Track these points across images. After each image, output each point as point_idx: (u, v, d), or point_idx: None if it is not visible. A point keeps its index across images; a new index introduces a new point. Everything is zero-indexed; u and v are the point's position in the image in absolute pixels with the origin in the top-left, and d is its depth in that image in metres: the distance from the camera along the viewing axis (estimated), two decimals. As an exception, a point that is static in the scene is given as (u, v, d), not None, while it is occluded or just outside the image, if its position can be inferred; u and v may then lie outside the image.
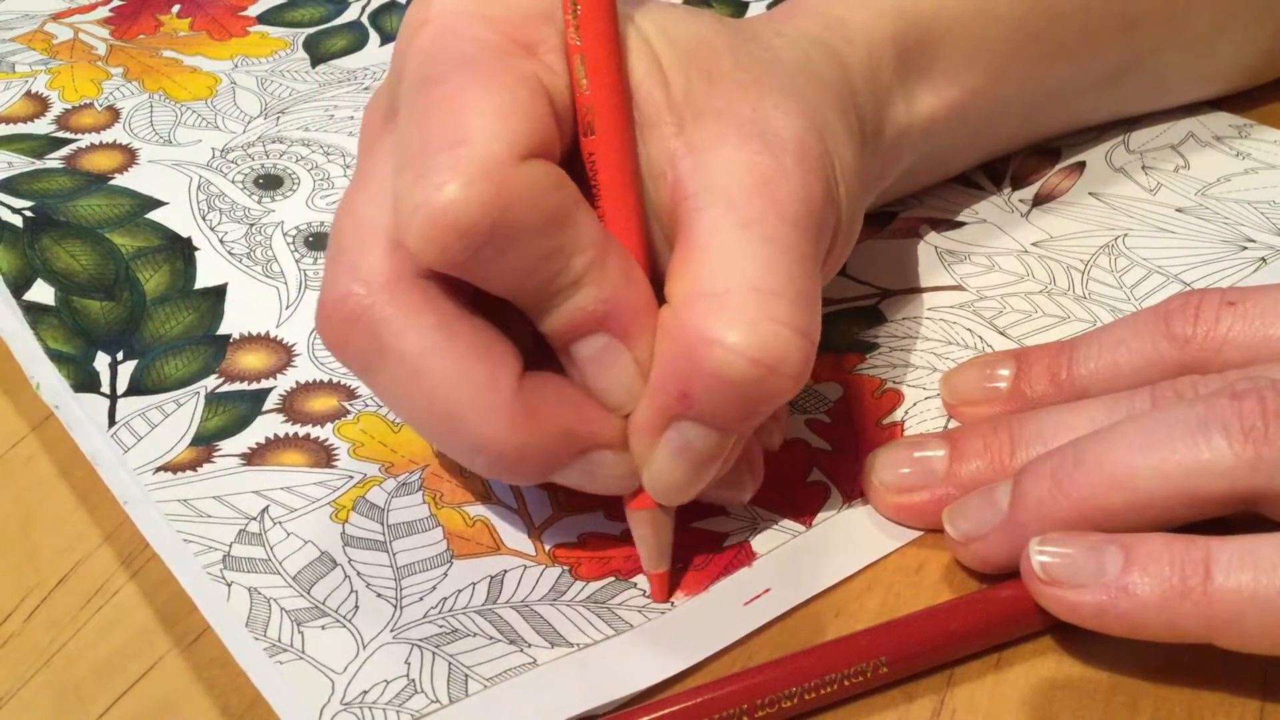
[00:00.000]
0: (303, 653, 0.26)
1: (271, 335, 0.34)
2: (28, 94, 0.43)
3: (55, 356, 0.33)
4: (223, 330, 0.34)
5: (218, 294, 0.35)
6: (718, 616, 0.27)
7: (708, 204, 0.26)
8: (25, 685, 0.27)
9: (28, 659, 0.27)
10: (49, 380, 0.33)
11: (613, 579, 0.28)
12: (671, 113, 0.26)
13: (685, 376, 0.25)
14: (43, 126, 0.41)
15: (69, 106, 0.42)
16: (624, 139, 0.26)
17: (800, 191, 0.26)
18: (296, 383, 0.33)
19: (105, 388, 0.32)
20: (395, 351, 0.25)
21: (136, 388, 0.32)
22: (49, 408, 0.32)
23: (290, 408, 0.32)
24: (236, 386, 0.33)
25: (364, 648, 0.26)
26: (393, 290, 0.25)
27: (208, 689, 0.26)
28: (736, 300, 0.25)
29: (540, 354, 0.27)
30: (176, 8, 0.48)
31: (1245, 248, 0.36)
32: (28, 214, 0.38)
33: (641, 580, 0.28)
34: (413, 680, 0.26)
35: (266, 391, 0.32)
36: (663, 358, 0.26)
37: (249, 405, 0.32)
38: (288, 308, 0.35)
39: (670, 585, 0.28)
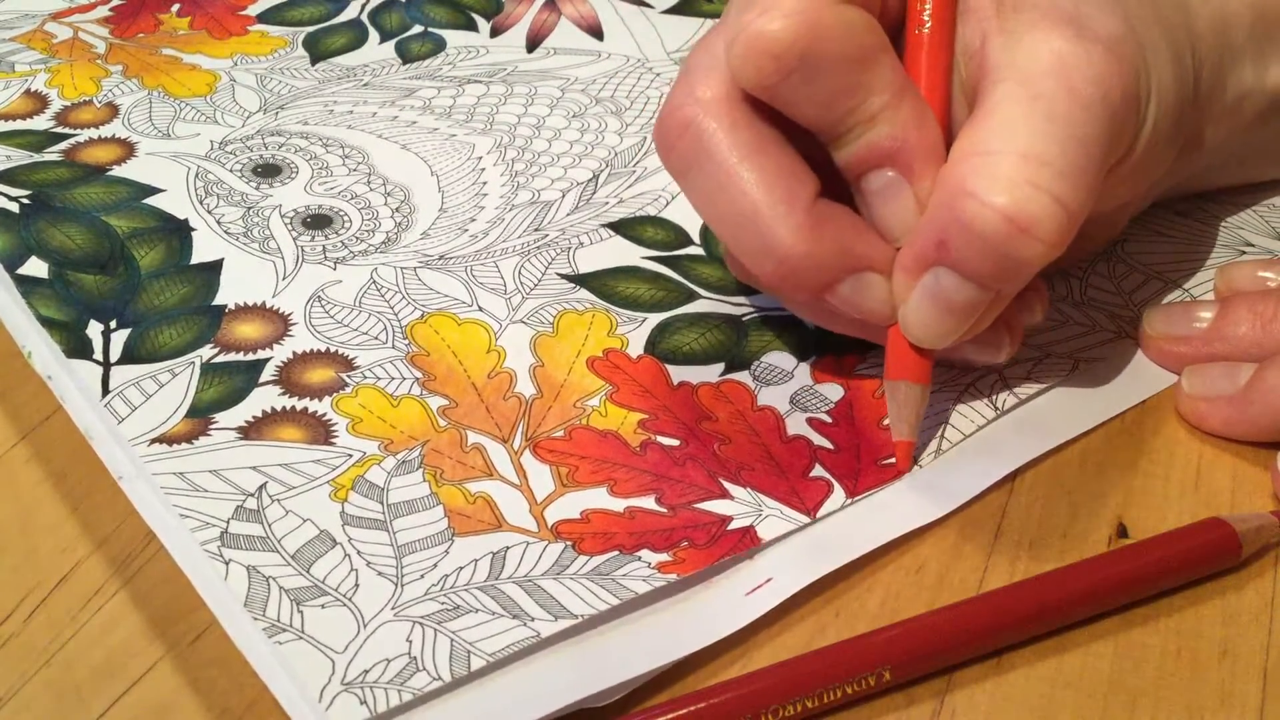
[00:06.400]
0: (302, 632, 0.26)
1: (268, 305, 0.34)
2: (27, 92, 0.43)
3: (46, 323, 0.33)
4: (218, 301, 0.34)
5: (213, 268, 0.35)
6: (720, 605, 0.27)
7: (1004, 78, 0.28)
8: (25, 685, 0.26)
9: (28, 659, 0.27)
10: (40, 349, 0.32)
11: (616, 553, 0.28)
12: (994, 1, 0.29)
13: (944, 225, 0.28)
14: (41, 123, 0.41)
15: (68, 104, 0.42)
16: (950, 13, 0.29)
17: (1098, 80, 0.28)
18: (294, 353, 0.33)
19: (98, 354, 0.32)
20: (713, 157, 0.29)
21: (130, 355, 0.32)
22: (45, 409, 0.32)
23: (287, 379, 0.32)
24: (232, 357, 0.32)
25: (364, 626, 0.26)
26: (719, 107, 0.29)
27: (207, 689, 0.26)
28: (1004, 161, 0.27)
29: (833, 195, 0.30)
30: (176, 7, 0.48)
31: (1243, 252, 0.37)
32: (24, 201, 0.37)
33: (646, 554, 0.28)
34: (414, 658, 0.26)
35: (263, 362, 0.32)
36: (930, 206, 0.28)
37: (245, 376, 0.32)
38: (284, 278, 0.35)
39: (913, 457, 0.30)
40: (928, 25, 0.29)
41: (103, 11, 0.47)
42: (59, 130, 0.41)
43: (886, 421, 0.31)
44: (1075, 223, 0.27)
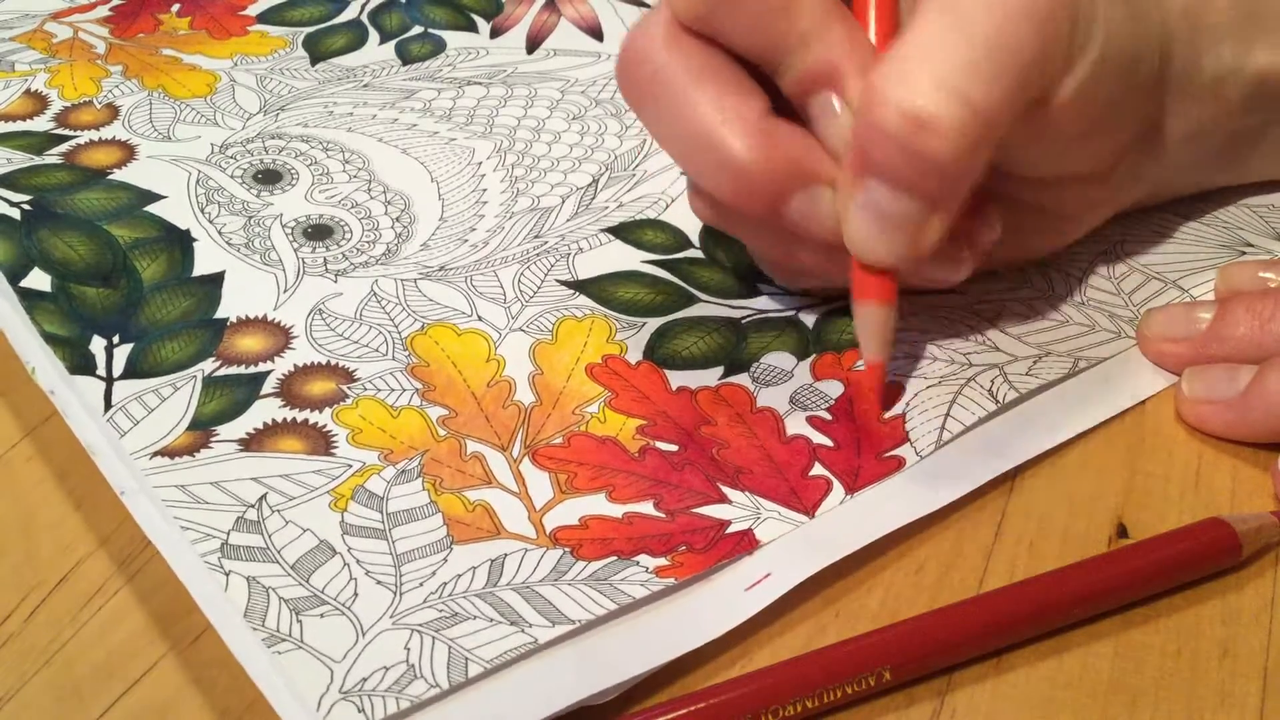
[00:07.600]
0: (301, 642, 0.26)
1: (269, 318, 0.34)
2: (27, 92, 0.43)
3: (50, 339, 0.33)
4: (220, 314, 0.34)
5: (215, 281, 0.35)
6: (719, 602, 0.27)
7: None
8: (25, 685, 0.26)
9: (28, 659, 0.27)
10: (44, 365, 0.33)
11: (614, 558, 0.28)
12: None
13: (863, 133, 0.28)
14: (42, 124, 0.41)
15: (68, 104, 0.42)
16: None
17: None
18: (295, 365, 0.33)
19: (101, 370, 0.32)
20: (666, 84, 0.30)
21: (133, 370, 0.32)
22: (47, 408, 0.32)
23: (288, 391, 0.32)
24: (234, 370, 0.32)
25: (363, 635, 0.26)
26: (670, 39, 0.30)
27: (208, 689, 0.26)
28: (909, 65, 0.28)
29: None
30: (176, 7, 0.48)
31: (1244, 252, 0.37)
32: (25, 207, 0.38)
33: (644, 558, 0.28)
34: (412, 665, 0.26)
35: (264, 375, 0.32)
36: (854, 119, 0.29)
37: (246, 389, 0.32)
38: (285, 291, 0.35)
39: (882, 386, 0.31)
40: None
41: (103, 11, 0.47)
42: (59, 132, 0.41)
43: (885, 417, 0.31)
44: (982, 120, 0.28)
